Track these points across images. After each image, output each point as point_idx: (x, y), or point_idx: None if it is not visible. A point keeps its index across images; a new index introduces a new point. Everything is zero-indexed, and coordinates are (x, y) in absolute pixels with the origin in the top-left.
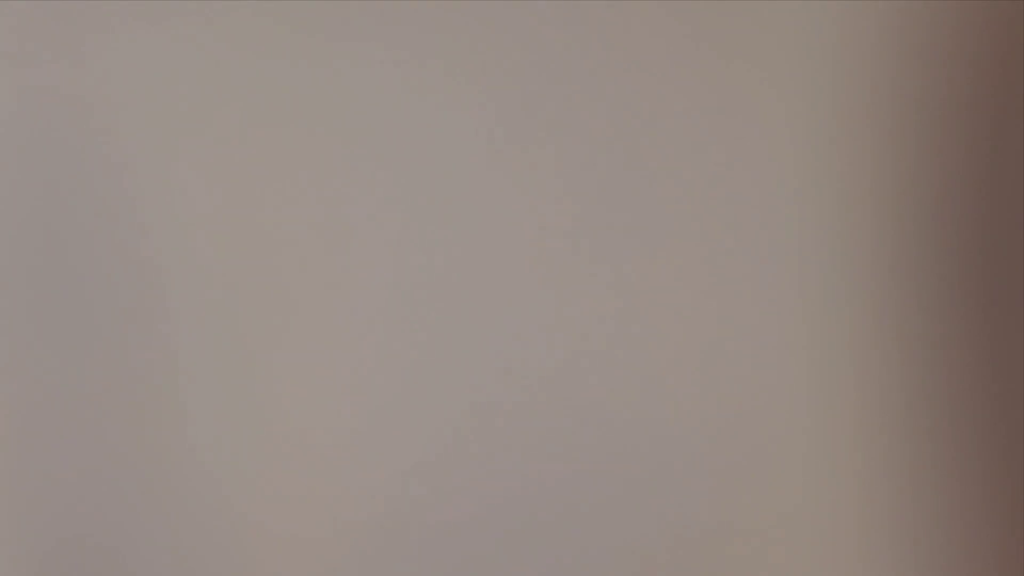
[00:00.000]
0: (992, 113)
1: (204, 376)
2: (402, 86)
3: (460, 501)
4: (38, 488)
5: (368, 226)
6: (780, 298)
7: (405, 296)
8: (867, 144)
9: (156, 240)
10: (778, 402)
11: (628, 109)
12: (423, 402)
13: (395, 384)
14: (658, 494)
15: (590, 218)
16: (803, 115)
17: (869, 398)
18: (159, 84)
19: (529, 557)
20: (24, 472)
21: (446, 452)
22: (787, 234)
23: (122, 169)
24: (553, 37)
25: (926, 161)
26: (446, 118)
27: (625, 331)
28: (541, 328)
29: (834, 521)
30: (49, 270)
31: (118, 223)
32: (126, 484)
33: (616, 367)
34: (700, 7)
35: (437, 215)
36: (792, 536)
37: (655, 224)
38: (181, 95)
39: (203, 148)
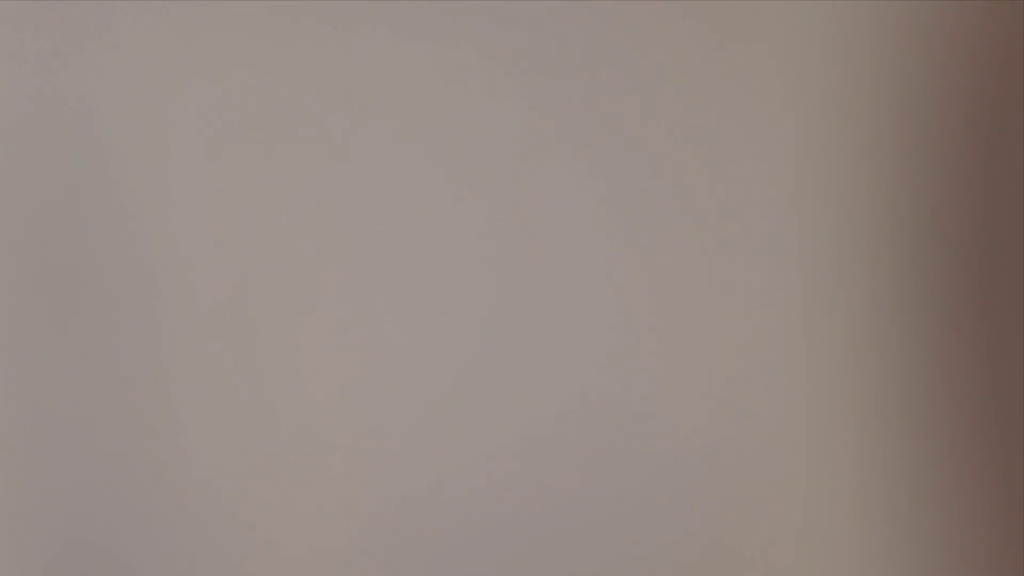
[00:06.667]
0: (992, 113)
1: (206, 383)
2: (400, 87)
3: (457, 510)
4: (37, 496)
5: (372, 230)
6: (780, 300)
7: (404, 297)
8: (867, 144)
9: (157, 241)
10: (778, 405)
11: (627, 112)
12: (421, 408)
13: (394, 390)
14: (658, 499)
15: (588, 220)
16: (804, 115)
17: (869, 399)
18: (159, 84)
19: (523, 554)
20: (22, 479)
21: (445, 459)
22: (787, 235)
23: (122, 170)
24: (558, 35)
25: (926, 161)
26: (446, 118)
27: (625, 330)
28: (538, 328)
29: (834, 523)
30: (49, 272)
31: (118, 226)
32: (126, 492)
33: (616, 368)
34: (702, 8)
35: (434, 216)
36: (792, 538)
37: (655, 226)
38: (181, 96)
39: (204, 149)
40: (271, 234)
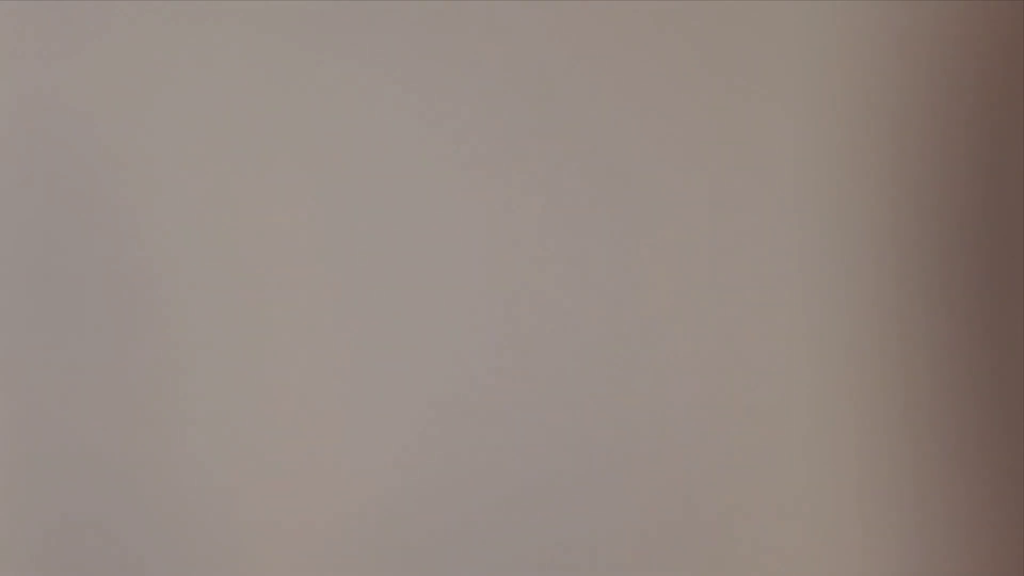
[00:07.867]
0: (992, 113)
1: (201, 379)
2: (397, 86)
3: (455, 496)
4: (36, 486)
5: (364, 229)
6: (780, 298)
7: (401, 295)
8: (867, 144)
9: (155, 240)
10: (779, 401)
11: (625, 112)
12: (418, 399)
13: (389, 380)
14: (658, 499)
15: (588, 219)
16: (803, 115)
17: (869, 398)
18: (159, 84)
19: (523, 550)
20: (21, 471)
21: (441, 448)
22: (787, 234)
23: (121, 170)
24: (558, 36)
25: (926, 161)
26: (443, 119)
27: (626, 330)
28: (539, 326)
29: (834, 519)
30: (48, 271)
31: (117, 225)
32: (123, 486)
33: (616, 366)
34: (701, 8)
35: (431, 217)
36: (792, 534)
37: (655, 225)
38: (180, 96)
39: (203, 148)
40: (270, 233)
